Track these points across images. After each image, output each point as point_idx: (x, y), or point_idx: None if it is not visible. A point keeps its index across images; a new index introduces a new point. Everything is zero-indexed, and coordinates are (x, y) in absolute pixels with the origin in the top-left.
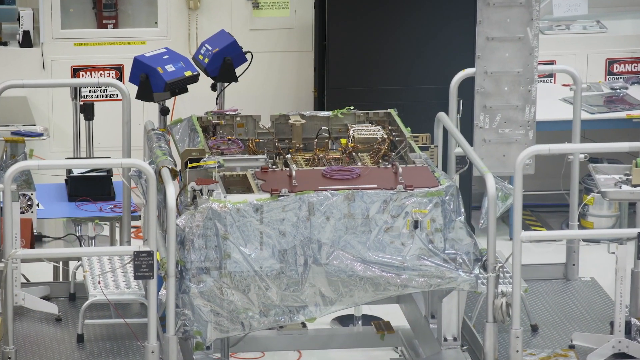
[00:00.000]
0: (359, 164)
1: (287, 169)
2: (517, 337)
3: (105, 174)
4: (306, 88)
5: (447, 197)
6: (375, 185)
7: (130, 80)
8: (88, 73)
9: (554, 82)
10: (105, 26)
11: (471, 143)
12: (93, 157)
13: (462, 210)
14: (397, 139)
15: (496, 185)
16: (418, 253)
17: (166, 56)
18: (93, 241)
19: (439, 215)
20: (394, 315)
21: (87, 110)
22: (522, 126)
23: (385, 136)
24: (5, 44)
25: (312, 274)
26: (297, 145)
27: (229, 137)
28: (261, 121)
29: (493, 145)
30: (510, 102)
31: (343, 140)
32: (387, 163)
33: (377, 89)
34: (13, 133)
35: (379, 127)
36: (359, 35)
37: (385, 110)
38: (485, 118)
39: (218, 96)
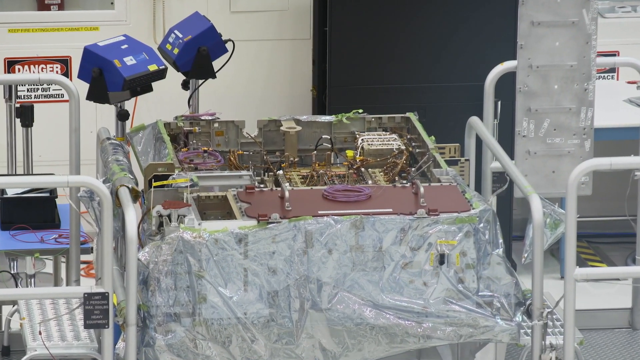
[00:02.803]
0: (370, 182)
1: (279, 188)
2: None
3: (47, 195)
4: (302, 86)
5: (482, 225)
6: (391, 210)
7: (80, 77)
8: (26, 67)
9: (617, 79)
10: (48, 8)
11: (512, 156)
12: (32, 174)
13: (501, 241)
14: (417, 150)
15: (543, 209)
16: (444, 295)
17: (125, 46)
18: (32, 280)
19: (471, 248)
20: None
21: (25, 114)
22: (577, 134)
23: (403, 147)
24: None
25: (310, 322)
26: (291, 159)
27: (205, 149)
28: (245, 128)
29: (540, 159)
30: (562, 104)
31: (349, 153)
32: (405, 181)
33: (392, 87)
34: None
35: (394, 136)
36: (369, 20)
37: (402, 115)
38: (529, 124)
39: (191, 96)
